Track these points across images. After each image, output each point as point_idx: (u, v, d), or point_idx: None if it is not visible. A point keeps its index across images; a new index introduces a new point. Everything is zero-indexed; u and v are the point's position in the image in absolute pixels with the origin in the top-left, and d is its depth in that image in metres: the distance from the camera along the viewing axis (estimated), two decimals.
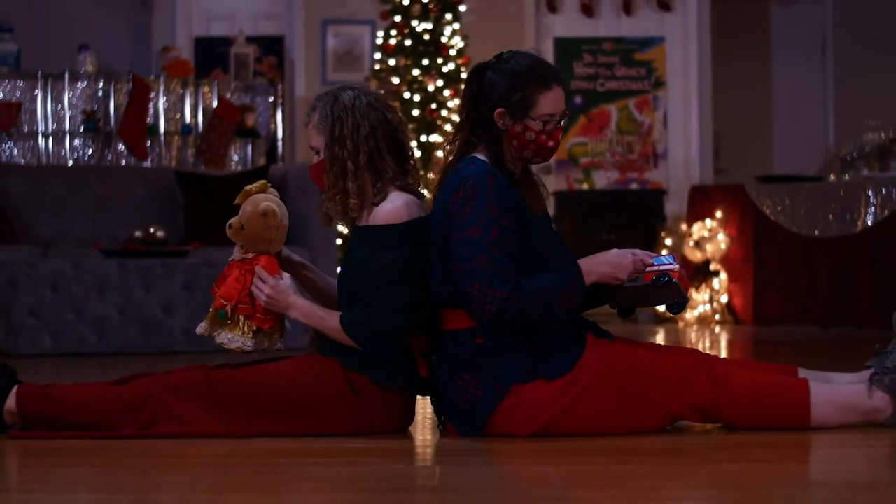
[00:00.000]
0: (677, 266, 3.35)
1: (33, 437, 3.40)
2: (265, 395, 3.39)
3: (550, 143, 3.45)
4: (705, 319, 8.49)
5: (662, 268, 3.33)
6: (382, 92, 8.78)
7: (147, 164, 8.84)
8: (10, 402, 3.42)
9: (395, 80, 8.85)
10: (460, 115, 3.57)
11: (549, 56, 10.08)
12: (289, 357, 3.54)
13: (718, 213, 8.58)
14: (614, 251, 3.38)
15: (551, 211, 9.44)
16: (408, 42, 8.86)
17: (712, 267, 8.55)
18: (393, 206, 3.41)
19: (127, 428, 3.38)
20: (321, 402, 3.38)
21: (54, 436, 3.39)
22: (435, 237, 3.41)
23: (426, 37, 8.85)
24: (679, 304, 3.37)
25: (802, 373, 3.51)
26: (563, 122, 3.47)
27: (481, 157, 3.45)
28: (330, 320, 3.42)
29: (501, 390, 3.33)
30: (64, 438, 3.37)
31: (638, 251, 3.38)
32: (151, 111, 8.96)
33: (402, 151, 3.50)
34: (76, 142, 8.88)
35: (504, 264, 3.30)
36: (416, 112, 8.74)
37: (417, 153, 8.73)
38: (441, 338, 3.44)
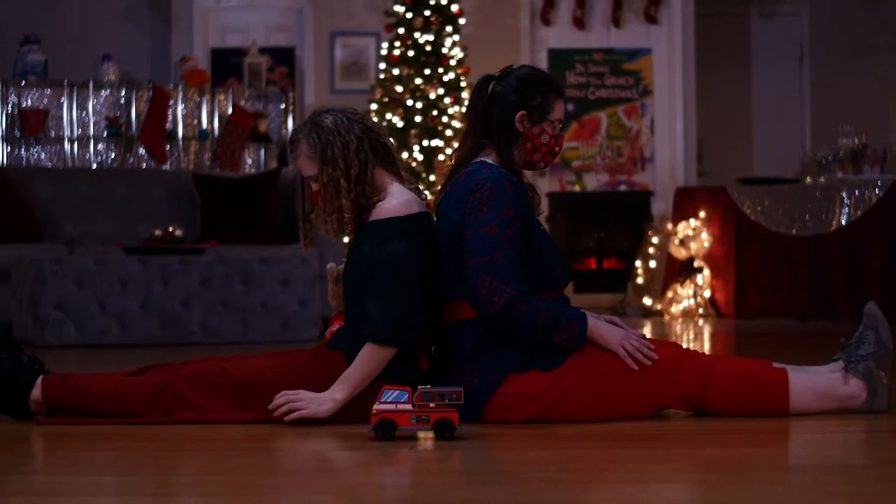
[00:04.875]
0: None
1: (59, 423, 3.40)
2: (275, 387, 3.37)
3: (557, 149, 3.51)
4: (689, 313, 8.49)
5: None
6: (386, 99, 8.79)
7: (166, 167, 8.84)
8: (36, 391, 3.42)
9: (399, 89, 8.84)
10: (468, 121, 3.54)
11: (542, 66, 10.08)
12: (298, 350, 3.54)
13: (702, 213, 8.58)
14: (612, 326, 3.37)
15: (545, 211, 9.47)
16: (411, 53, 8.86)
17: (696, 264, 8.55)
18: (397, 202, 3.37)
19: (147, 416, 3.38)
20: None
21: (79, 422, 3.39)
22: (447, 236, 3.40)
23: (428, 48, 8.85)
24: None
25: (777, 366, 3.50)
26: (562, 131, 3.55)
27: (490, 160, 3.45)
28: (362, 362, 3.31)
29: (497, 379, 3.33)
30: (87, 424, 3.37)
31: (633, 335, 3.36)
32: (170, 117, 8.96)
33: (388, 153, 3.46)
34: (100, 146, 8.88)
35: (516, 262, 3.30)
36: (418, 118, 8.74)
37: (420, 157, 8.73)
38: (446, 329, 3.44)
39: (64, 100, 8.82)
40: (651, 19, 10.16)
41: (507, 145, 3.45)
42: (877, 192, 7.22)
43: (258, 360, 3.46)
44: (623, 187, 10.20)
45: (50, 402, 3.42)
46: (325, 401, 3.28)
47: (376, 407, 3.11)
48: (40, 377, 3.43)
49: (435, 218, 3.50)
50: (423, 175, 8.63)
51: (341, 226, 3.41)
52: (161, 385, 3.38)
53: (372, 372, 3.30)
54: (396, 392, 3.12)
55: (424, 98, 8.77)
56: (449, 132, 8.73)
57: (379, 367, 3.31)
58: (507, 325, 3.30)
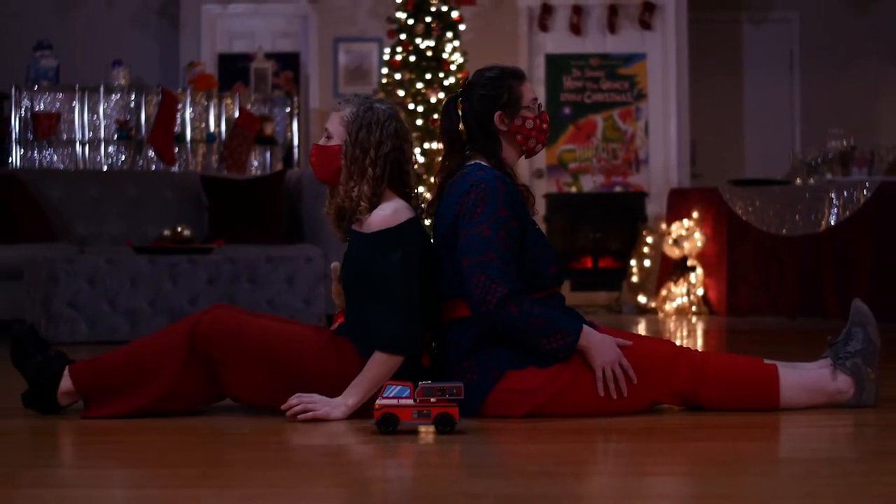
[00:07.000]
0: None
1: (99, 416, 3.37)
2: (287, 361, 3.35)
3: (545, 126, 3.50)
4: (683, 310, 8.49)
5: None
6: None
7: (175, 169, 8.84)
8: (65, 381, 3.41)
9: (401, 93, 8.85)
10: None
11: (540, 70, 10.11)
12: (312, 326, 3.53)
13: (695, 214, 8.58)
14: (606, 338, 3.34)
15: (543, 212, 9.48)
16: (412, 58, 8.86)
17: (689, 263, 8.55)
18: (384, 213, 3.37)
19: (169, 366, 3.33)
20: (338, 382, 3.35)
21: (112, 414, 3.36)
22: (444, 236, 3.40)
23: (429, 53, 8.85)
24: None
25: (767, 362, 3.50)
26: (542, 107, 3.54)
27: (485, 163, 3.46)
28: (372, 369, 3.31)
29: (496, 375, 3.33)
30: (111, 418, 3.35)
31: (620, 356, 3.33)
32: (179, 121, 8.96)
33: (405, 180, 3.46)
34: (110, 149, 8.88)
35: (509, 262, 3.30)
36: (419, 122, 8.75)
37: (421, 159, 8.74)
38: (445, 327, 3.44)
39: (75, 104, 8.82)
40: (645, 25, 10.16)
41: (493, 150, 3.46)
42: (865, 193, 7.22)
43: (276, 329, 3.40)
44: (618, 188, 10.21)
45: (80, 388, 3.40)
46: (338, 405, 3.30)
47: (379, 402, 3.12)
48: (67, 367, 3.43)
49: (429, 221, 3.50)
50: (424, 177, 8.63)
51: (355, 210, 3.38)
52: (188, 331, 3.35)
53: (382, 378, 3.30)
54: (398, 387, 3.13)
55: (425, 102, 8.77)
56: None
57: (389, 374, 3.31)
58: (499, 324, 3.29)
